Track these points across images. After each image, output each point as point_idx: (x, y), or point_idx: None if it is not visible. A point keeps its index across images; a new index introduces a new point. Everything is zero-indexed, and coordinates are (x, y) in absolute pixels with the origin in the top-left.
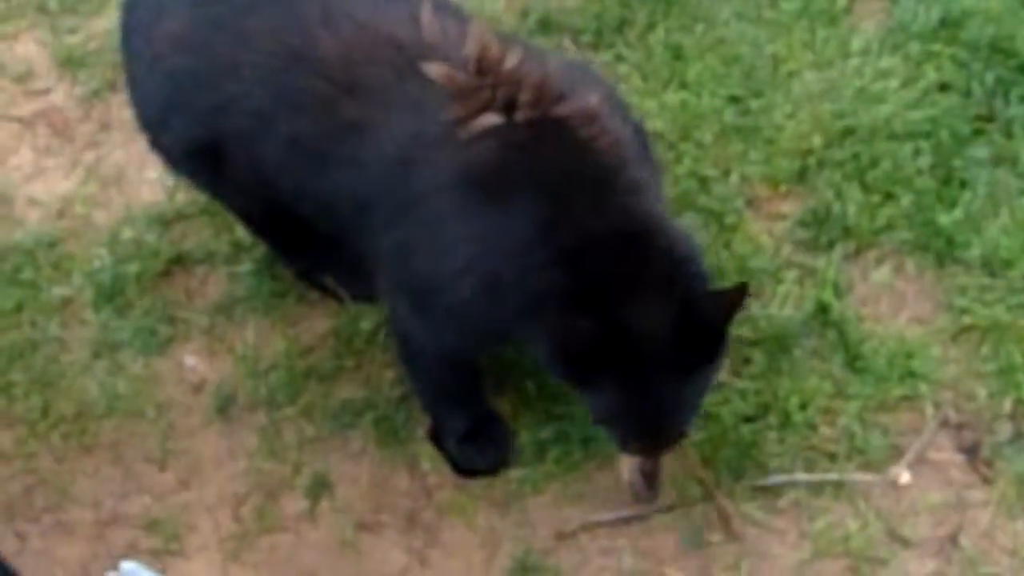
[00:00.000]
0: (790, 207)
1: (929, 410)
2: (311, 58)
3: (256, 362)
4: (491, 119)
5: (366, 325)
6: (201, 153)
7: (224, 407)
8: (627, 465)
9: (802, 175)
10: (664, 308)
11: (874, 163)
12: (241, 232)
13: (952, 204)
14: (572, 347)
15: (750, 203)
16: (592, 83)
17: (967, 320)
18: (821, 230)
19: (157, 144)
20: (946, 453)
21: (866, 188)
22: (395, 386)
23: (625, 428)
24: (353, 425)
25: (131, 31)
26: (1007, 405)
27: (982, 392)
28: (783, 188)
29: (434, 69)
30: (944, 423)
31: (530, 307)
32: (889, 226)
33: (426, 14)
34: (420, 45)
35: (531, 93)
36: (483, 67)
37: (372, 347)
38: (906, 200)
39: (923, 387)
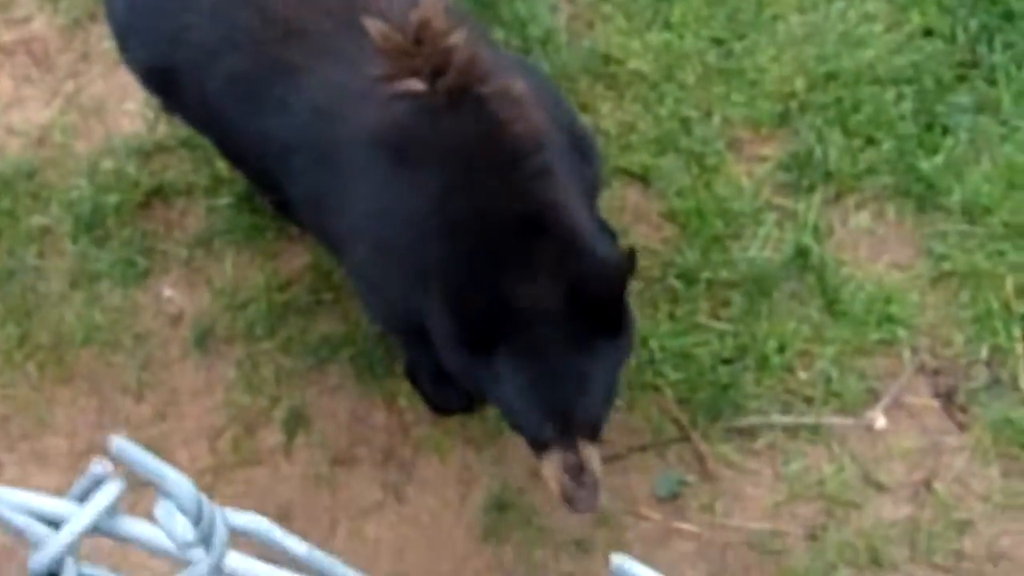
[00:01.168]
0: (771, 150)
1: (906, 355)
2: None
3: (234, 295)
4: (414, 84)
5: None
6: (157, 79)
7: (202, 340)
8: (549, 470)
9: (784, 118)
10: (554, 286)
11: (856, 108)
12: (221, 165)
13: (934, 150)
14: (461, 322)
15: (731, 145)
16: (530, 75)
17: (946, 266)
18: (802, 173)
19: (126, 62)
20: (922, 398)
21: (848, 132)
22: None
23: (532, 417)
24: (331, 360)
25: None
26: (984, 351)
27: (959, 338)
28: (765, 131)
29: (372, 25)
30: (921, 368)
31: (419, 278)
32: (870, 171)
33: None
34: (369, 2)
35: (460, 66)
36: (421, 35)
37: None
38: (888, 145)
39: (901, 332)
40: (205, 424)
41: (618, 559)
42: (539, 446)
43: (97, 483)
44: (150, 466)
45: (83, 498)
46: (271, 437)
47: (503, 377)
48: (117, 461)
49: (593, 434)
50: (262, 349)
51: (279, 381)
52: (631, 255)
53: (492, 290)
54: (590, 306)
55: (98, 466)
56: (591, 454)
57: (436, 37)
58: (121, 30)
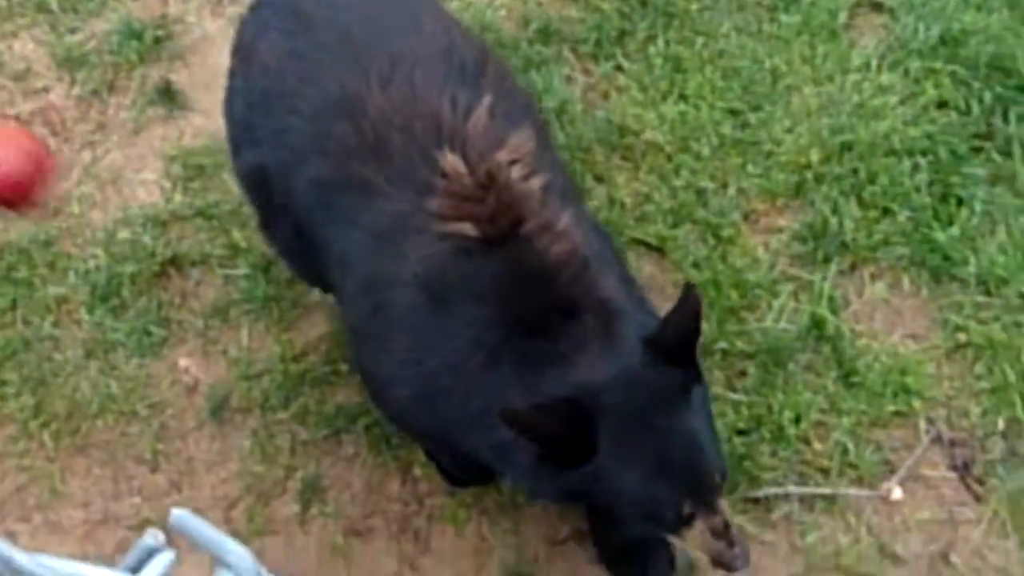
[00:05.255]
0: (787, 221)
1: (922, 427)
2: (356, 108)
3: (250, 365)
4: (466, 229)
5: None
6: (257, 181)
7: (217, 410)
8: (698, 543)
9: (799, 189)
10: (624, 354)
11: (872, 179)
12: (238, 235)
13: (949, 221)
14: (549, 447)
15: (747, 216)
16: (590, 228)
17: (962, 337)
18: (817, 245)
19: (235, 167)
20: (938, 470)
21: (863, 204)
22: None
23: (665, 502)
24: (346, 430)
25: (245, 39)
26: (1000, 423)
27: (975, 410)
28: (780, 202)
29: (448, 159)
30: (937, 440)
31: (473, 420)
32: (886, 242)
33: (481, 109)
34: (457, 133)
35: (513, 214)
36: (492, 182)
37: None
38: (903, 216)
39: (917, 404)
40: (220, 494)
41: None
42: (680, 524)
43: (149, 554)
44: (210, 537)
45: (136, 569)
46: (286, 507)
47: (615, 476)
48: (175, 532)
49: (722, 486)
50: (277, 419)
51: (294, 451)
52: (693, 289)
53: (564, 396)
54: (674, 354)
55: (150, 537)
56: (725, 505)
57: (505, 189)
58: (236, 129)
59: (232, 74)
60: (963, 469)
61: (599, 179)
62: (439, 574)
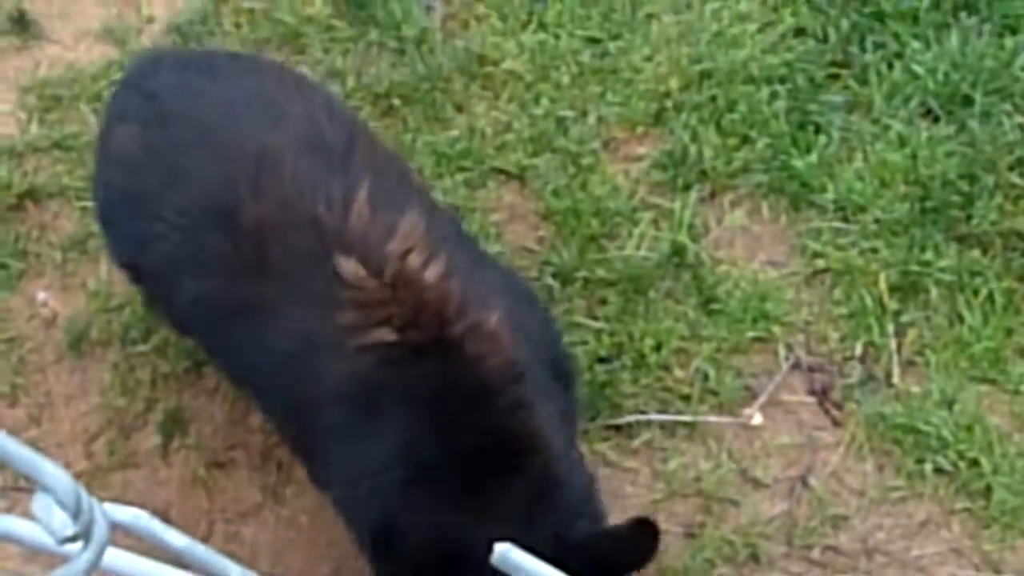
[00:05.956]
0: (647, 149)
1: (782, 352)
2: (229, 221)
3: (109, 298)
4: (385, 335)
5: None
6: (131, 275)
7: (76, 343)
8: None
9: (659, 117)
10: (528, 528)
11: (731, 106)
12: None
13: (807, 148)
14: (405, 564)
15: (607, 144)
16: (511, 294)
17: (820, 263)
18: (677, 172)
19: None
20: (798, 395)
21: (722, 131)
22: None
23: None
24: (207, 363)
25: (105, 124)
26: (858, 348)
27: (834, 335)
28: (640, 130)
29: (346, 267)
30: (796, 366)
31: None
32: (745, 169)
33: (360, 201)
34: (341, 234)
35: (434, 314)
36: (397, 280)
37: None
38: (762, 144)
39: (776, 330)
40: (80, 428)
41: (501, 547)
42: None
43: None
44: (27, 460)
45: None
46: (147, 440)
47: None
48: None
49: None
50: (137, 352)
51: (155, 384)
52: (652, 531)
53: (449, 534)
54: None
55: None
56: None
57: (410, 281)
58: (101, 220)
59: (96, 157)
60: (822, 394)
61: (459, 108)
62: (302, 504)
